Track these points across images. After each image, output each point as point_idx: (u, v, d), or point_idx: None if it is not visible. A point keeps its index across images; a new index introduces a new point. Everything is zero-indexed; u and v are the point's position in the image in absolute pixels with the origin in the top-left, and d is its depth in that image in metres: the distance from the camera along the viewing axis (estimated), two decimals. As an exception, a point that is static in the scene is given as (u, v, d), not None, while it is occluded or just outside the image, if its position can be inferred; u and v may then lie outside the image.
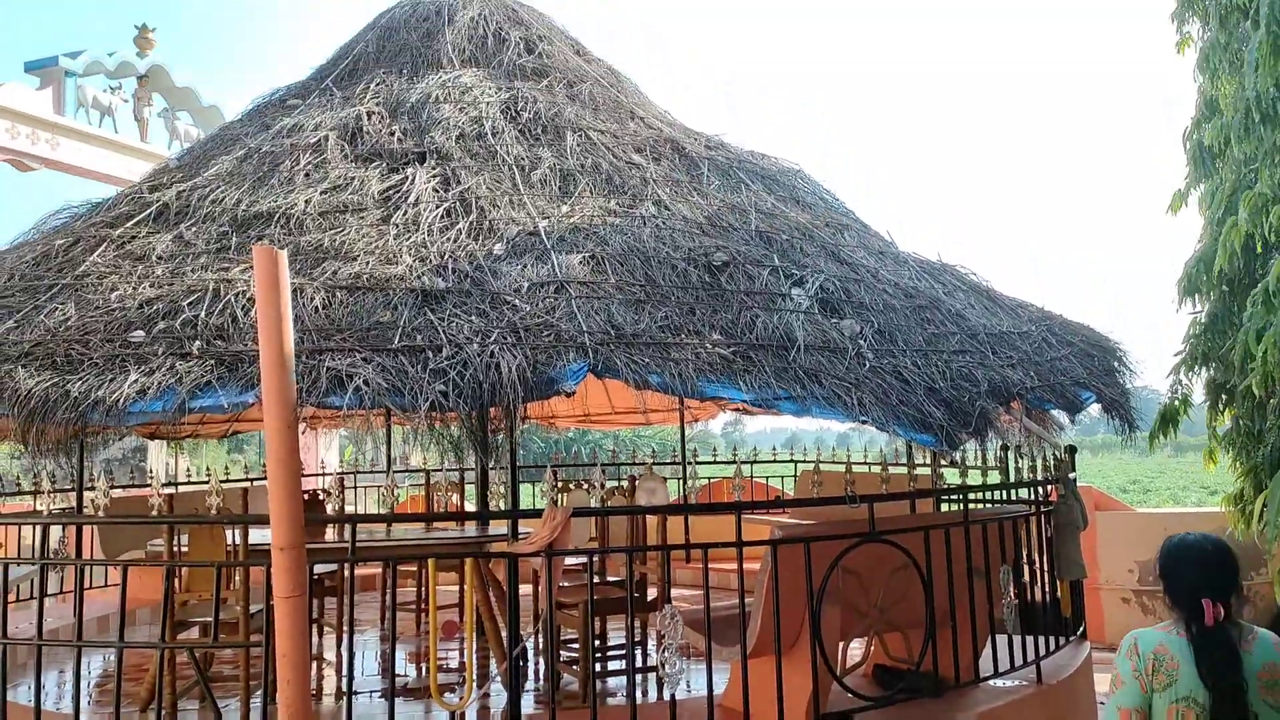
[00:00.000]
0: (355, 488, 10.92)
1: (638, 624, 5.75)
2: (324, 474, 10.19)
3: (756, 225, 5.62)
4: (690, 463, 11.62)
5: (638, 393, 11.28)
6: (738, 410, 11.17)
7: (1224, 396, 8.78)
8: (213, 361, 3.93)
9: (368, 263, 4.59)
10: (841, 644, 4.87)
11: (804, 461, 10.69)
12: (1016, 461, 5.59)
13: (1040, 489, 5.64)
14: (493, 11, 7.26)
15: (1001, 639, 5.19)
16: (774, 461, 10.96)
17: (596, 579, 6.80)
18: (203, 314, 4.18)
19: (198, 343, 4.02)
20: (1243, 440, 8.15)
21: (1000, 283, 6.68)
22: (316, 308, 4.28)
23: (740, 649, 4.52)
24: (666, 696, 4.14)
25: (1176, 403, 8.90)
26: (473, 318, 4.29)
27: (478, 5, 7.26)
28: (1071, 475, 6.23)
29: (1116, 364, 6.25)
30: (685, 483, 10.34)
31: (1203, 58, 8.66)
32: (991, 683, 5.18)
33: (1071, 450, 6.53)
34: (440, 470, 10.18)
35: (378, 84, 6.40)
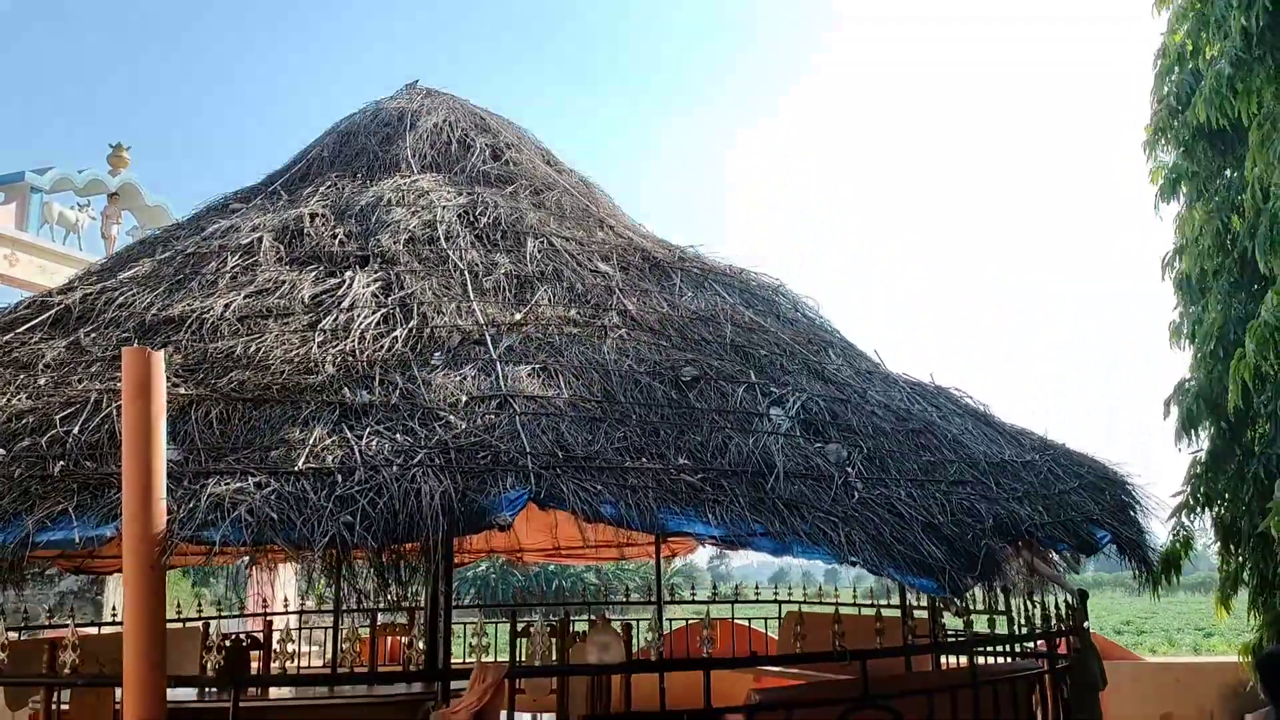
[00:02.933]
0: (303, 628, 9.99)
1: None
2: (259, 614, 9.23)
3: (732, 339, 5.06)
4: (667, 602, 10.78)
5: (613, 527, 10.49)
6: (718, 544, 10.41)
7: (1234, 538, 8.14)
8: (75, 486, 3.26)
9: (282, 372, 3.97)
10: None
11: (788, 602, 9.86)
12: (1026, 609, 4.89)
13: (1052, 641, 4.92)
14: (459, 118, 6.87)
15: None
16: (757, 601, 10.13)
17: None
18: (75, 429, 3.53)
19: (61, 463, 3.36)
20: (1258, 587, 7.46)
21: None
22: (211, 423, 3.64)
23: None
24: None
25: (1179, 545, 8.24)
26: (397, 435, 3.65)
27: (443, 111, 6.87)
28: (1085, 625, 5.51)
29: (1128, 499, 5.61)
30: (657, 629, 9.52)
31: (1169, 185, 8.36)
32: None
33: (1083, 596, 5.81)
34: (393, 610, 9.32)
35: (328, 187, 5.92)
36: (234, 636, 6.93)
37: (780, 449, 4.16)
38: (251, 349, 4.14)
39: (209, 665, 3.28)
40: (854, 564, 3.76)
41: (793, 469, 4.11)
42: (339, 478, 3.35)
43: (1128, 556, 5.09)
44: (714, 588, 10.85)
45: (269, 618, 9.00)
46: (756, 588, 10.54)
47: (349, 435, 3.59)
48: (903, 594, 5.46)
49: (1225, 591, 7.98)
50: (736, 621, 10.53)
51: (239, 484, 3.24)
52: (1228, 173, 7.63)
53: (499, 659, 3.92)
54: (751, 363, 4.83)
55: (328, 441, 3.55)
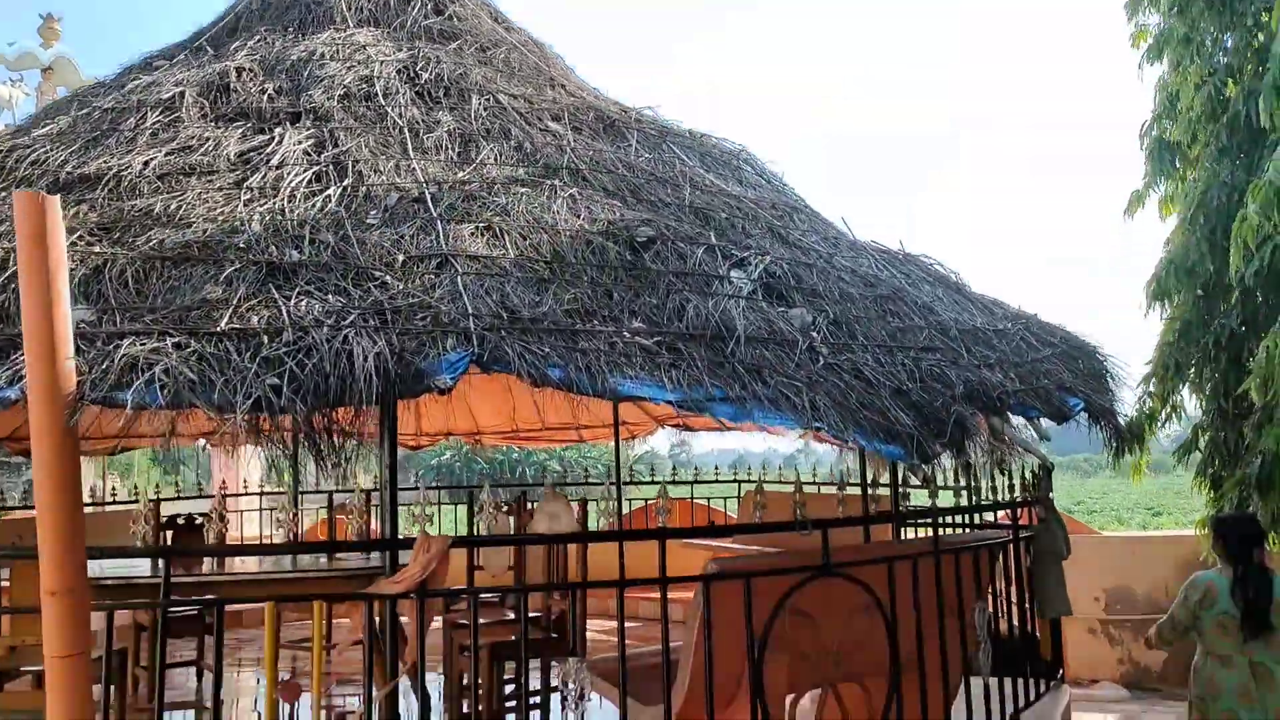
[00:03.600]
0: (262, 510, 9.85)
1: (555, 669, 4.82)
2: (214, 495, 9.01)
3: (690, 200, 4.78)
4: (626, 483, 10.74)
5: (570, 405, 10.37)
6: (679, 425, 10.31)
7: (1192, 411, 8.12)
8: (-26, 347, 2.98)
9: (204, 230, 3.66)
10: (791, 698, 4.01)
11: (748, 481, 9.85)
12: (991, 479, 4.79)
13: (1017, 511, 4.84)
14: (399, -30, 6.37)
15: (975, 687, 4.36)
16: (716, 481, 10.10)
17: (515, 617, 5.89)
18: (-24, 289, 3.23)
19: (-44, 324, 3.07)
20: (1218, 459, 7.47)
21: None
22: (127, 283, 3.34)
23: (664, 708, 3.64)
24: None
25: (1144, 416, 8.22)
26: (329, 296, 3.37)
27: (382, -38, 6.36)
28: (1051, 495, 5.45)
29: (1102, 368, 5.49)
30: (619, 505, 9.47)
31: (1155, 48, 8.06)
32: (966, 739, 4.35)
33: (1048, 468, 5.75)
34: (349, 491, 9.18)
35: (257, 42, 5.47)
36: (186, 515, 6.77)
37: (741, 312, 3.94)
38: (172, 207, 3.81)
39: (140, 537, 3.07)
40: (818, 429, 3.59)
41: (754, 333, 3.89)
42: (265, 339, 3.08)
43: (1100, 425, 4.99)
44: (674, 472, 10.83)
45: (225, 498, 8.83)
46: (716, 470, 10.51)
47: (276, 296, 3.31)
48: (863, 466, 5.36)
49: (1141, 459, 7.99)
50: (696, 501, 10.54)
51: (156, 344, 2.98)
52: (1227, 37, 7.32)
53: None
54: (711, 225, 4.57)
55: (253, 302, 3.27)
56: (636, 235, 4.17)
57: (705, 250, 4.27)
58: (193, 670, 6.21)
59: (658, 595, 3.54)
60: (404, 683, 5.98)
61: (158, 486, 10.99)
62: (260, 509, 9.73)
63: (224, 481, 10.44)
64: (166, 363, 2.86)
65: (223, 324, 3.12)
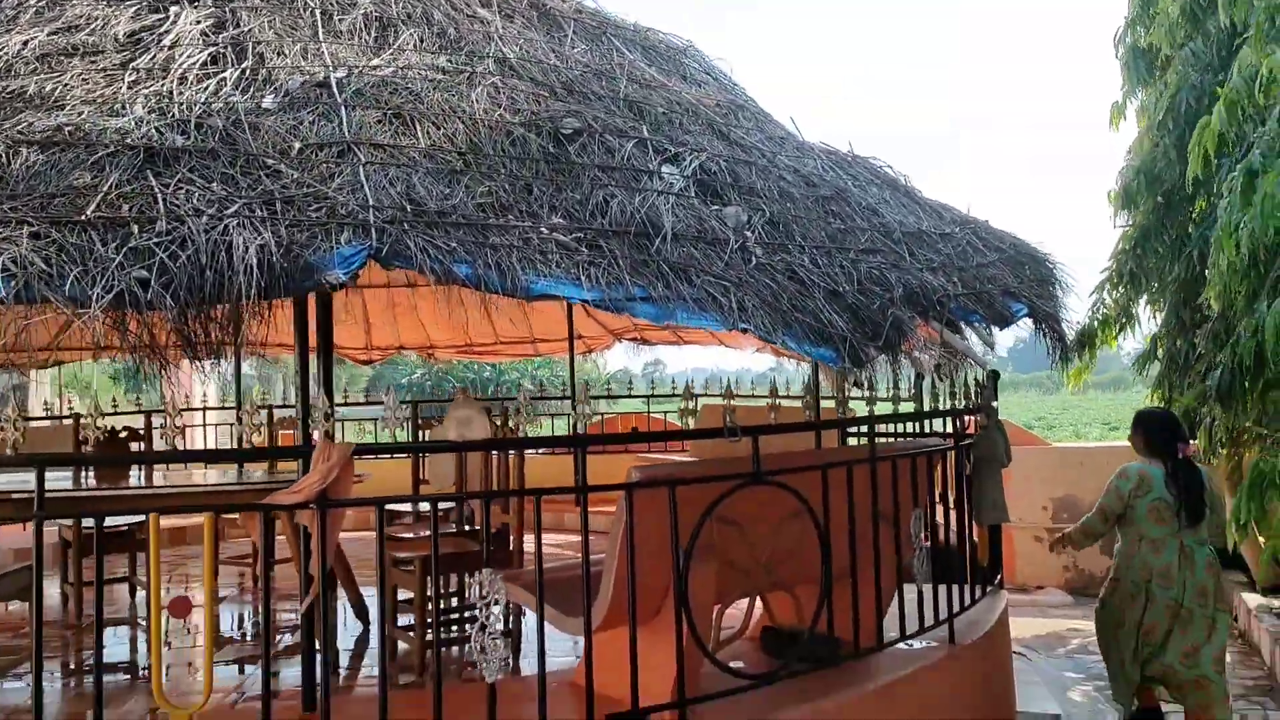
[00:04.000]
0: (206, 426, 9.58)
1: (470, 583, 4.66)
2: (149, 410, 8.69)
3: (626, 94, 4.47)
4: (582, 399, 10.56)
5: (524, 318, 10.10)
6: (636, 339, 10.11)
7: (1148, 321, 8.01)
8: None
9: (80, 113, 3.33)
10: (719, 608, 3.89)
11: (707, 395, 9.71)
12: (933, 386, 4.63)
13: (959, 420, 4.70)
14: None
15: (910, 595, 4.27)
16: (672, 396, 9.95)
17: (454, 529, 5.74)
18: None
19: None
20: (1175, 371, 7.39)
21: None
22: (-14, 167, 3.03)
23: (585, 619, 3.49)
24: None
25: (1097, 323, 8.09)
26: (213, 185, 3.08)
27: None
28: (995, 404, 5.31)
29: (1050, 275, 5.31)
30: (577, 420, 9.31)
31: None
32: (899, 646, 4.26)
33: (994, 375, 5.60)
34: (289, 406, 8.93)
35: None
36: (109, 428, 6.52)
37: (670, 209, 3.69)
38: (47, 89, 3.47)
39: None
40: (744, 330, 3.38)
41: (683, 231, 3.65)
42: (135, 229, 2.80)
43: (1043, 330, 4.82)
44: (652, 388, 10.64)
45: (159, 413, 8.57)
46: (673, 385, 10.35)
47: (153, 184, 3.01)
48: (815, 383, 5.19)
49: (1163, 380, 7.89)
50: (653, 416, 10.41)
51: (9, 233, 2.69)
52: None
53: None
54: (646, 119, 4.28)
55: (126, 190, 2.97)
56: (562, 127, 3.88)
57: (636, 144, 3.99)
58: (126, 587, 6.04)
59: (613, 509, 3.38)
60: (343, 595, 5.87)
61: (113, 401, 10.72)
62: (204, 424, 9.46)
63: (175, 396, 10.17)
64: (16, 252, 2.58)
65: (88, 212, 2.84)
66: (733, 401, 8.94)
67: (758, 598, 3.76)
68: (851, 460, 3.95)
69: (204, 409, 9.50)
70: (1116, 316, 7.79)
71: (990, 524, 4.91)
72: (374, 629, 5.47)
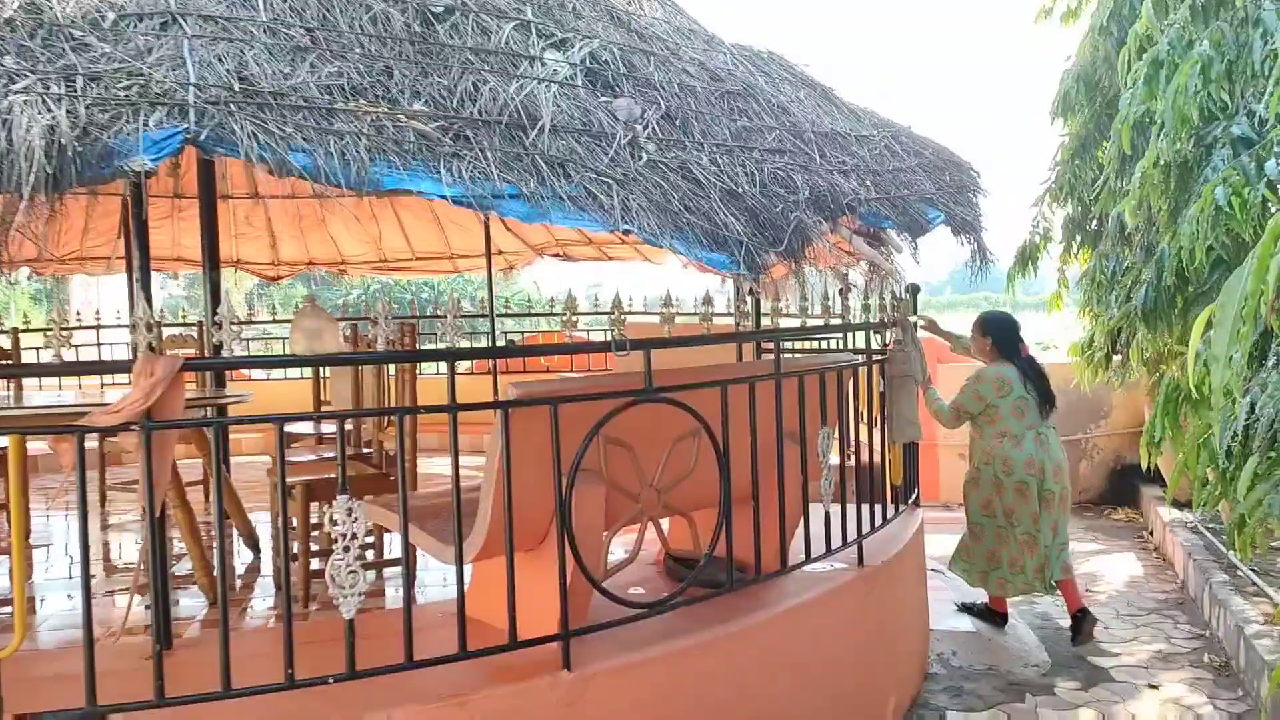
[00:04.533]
0: (100, 345, 9.04)
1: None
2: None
3: (513, -25, 4.04)
4: (501, 315, 10.21)
5: (441, 231, 9.60)
6: (559, 254, 9.70)
7: (1079, 236, 7.81)
8: None
9: None
10: (608, 534, 3.62)
11: (634, 313, 9.38)
12: (845, 300, 4.36)
13: (874, 334, 4.45)
14: None
15: (817, 517, 4.06)
16: (596, 314, 9.62)
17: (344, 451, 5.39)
18: None
19: None
20: (1101, 284, 7.22)
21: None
22: None
23: (458, 549, 3.21)
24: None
25: (1037, 238, 7.87)
26: (4, 60, 2.63)
27: None
28: (913, 319, 5.07)
29: (970, 182, 5.03)
30: (493, 337, 8.94)
31: None
32: (806, 569, 4.06)
33: (914, 290, 5.35)
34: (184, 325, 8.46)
35: None
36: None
37: (552, 98, 3.31)
38: None
39: None
40: (626, 232, 3.05)
41: (565, 123, 3.27)
42: (-102, 107, 2.37)
43: (961, 238, 4.56)
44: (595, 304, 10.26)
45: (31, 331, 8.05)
46: (597, 300, 9.99)
47: (-71, 55, 2.57)
48: (738, 299, 4.88)
49: (1059, 290, 7.77)
50: (575, 335, 10.07)
51: None
52: None
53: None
54: (530, 1, 3.85)
55: (-106, 61, 2.53)
56: (431, 4, 3.44)
57: (516, 27, 3.58)
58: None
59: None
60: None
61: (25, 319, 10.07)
62: (99, 342, 8.92)
63: (70, 313, 9.58)
64: None
65: None
66: (658, 320, 8.65)
67: (650, 524, 3.50)
68: (754, 376, 3.68)
69: (98, 326, 8.97)
70: (1069, 231, 7.58)
71: (904, 442, 4.70)
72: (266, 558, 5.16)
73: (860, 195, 3.90)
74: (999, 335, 5.26)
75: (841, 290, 4.38)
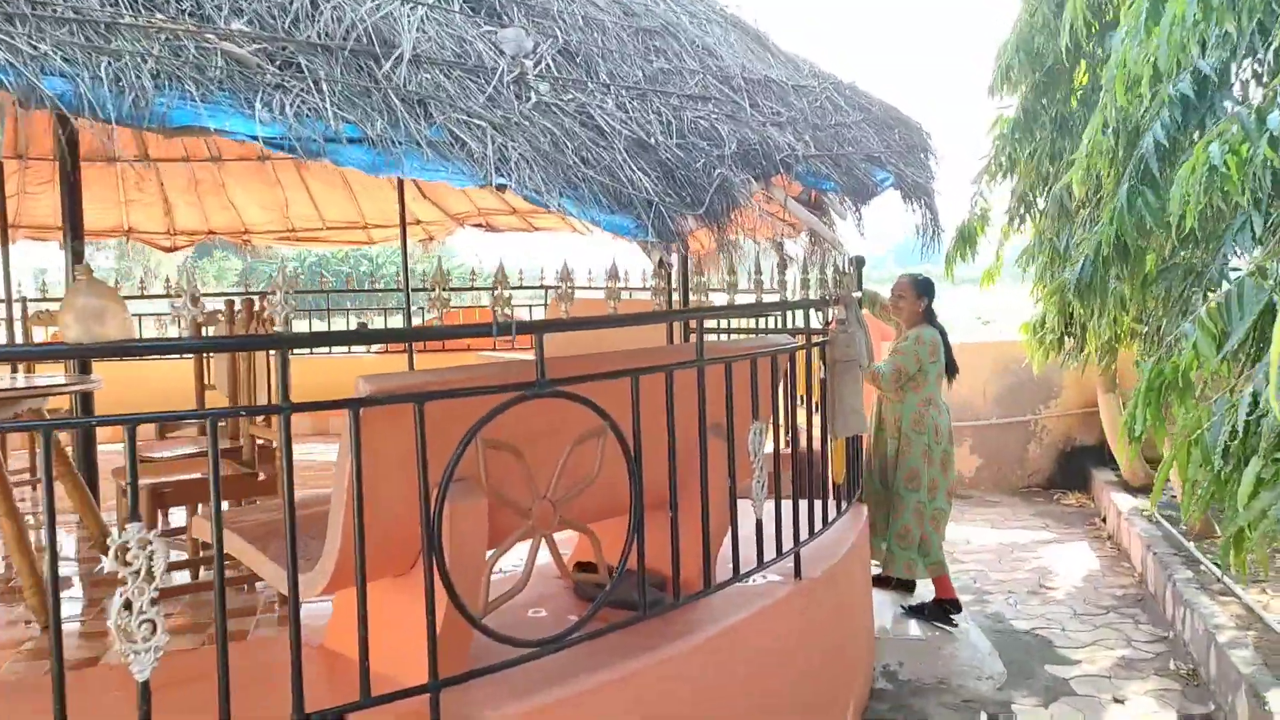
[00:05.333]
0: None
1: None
2: None
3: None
4: (417, 290, 9.50)
5: (353, 198, 8.83)
6: (482, 225, 9.00)
7: (1023, 209, 7.34)
8: None
9: None
10: (494, 555, 3.02)
11: (558, 288, 8.72)
12: (781, 275, 3.78)
13: (810, 311, 3.88)
14: None
15: (748, 520, 3.50)
16: (521, 288, 8.98)
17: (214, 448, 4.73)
18: None
19: None
20: (1055, 260, 6.76)
21: None
22: None
23: (292, 582, 2.58)
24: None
25: (975, 218, 7.42)
26: None
27: None
28: (857, 294, 4.52)
29: (922, 142, 4.48)
30: (406, 313, 8.24)
31: None
32: (737, 585, 3.51)
33: (859, 262, 4.81)
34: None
35: None
36: None
37: (416, 24, 2.66)
38: None
39: None
40: (500, 187, 2.43)
41: (432, 54, 2.63)
42: None
43: (911, 204, 4.00)
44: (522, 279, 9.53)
45: None
46: (521, 275, 9.33)
47: None
48: (666, 276, 4.28)
49: (1044, 272, 7.25)
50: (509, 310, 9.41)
51: None
52: None
53: None
54: (405, -89, 3.19)
55: None
56: (266, -95, 2.77)
57: (379, -62, 2.91)
58: None
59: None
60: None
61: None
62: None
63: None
64: None
65: None
66: (590, 293, 8.03)
67: (545, 542, 2.91)
68: (671, 364, 3.09)
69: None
70: (1016, 208, 7.10)
71: (848, 435, 4.15)
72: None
73: (797, 151, 3.30)
74: (928, 295, 5.14)
75: (780, 263, 3.81)
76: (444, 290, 2.69)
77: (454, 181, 2.34)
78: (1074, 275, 4.73)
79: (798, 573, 3.73)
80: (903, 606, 5.37)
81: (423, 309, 9.13)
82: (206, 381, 6.05)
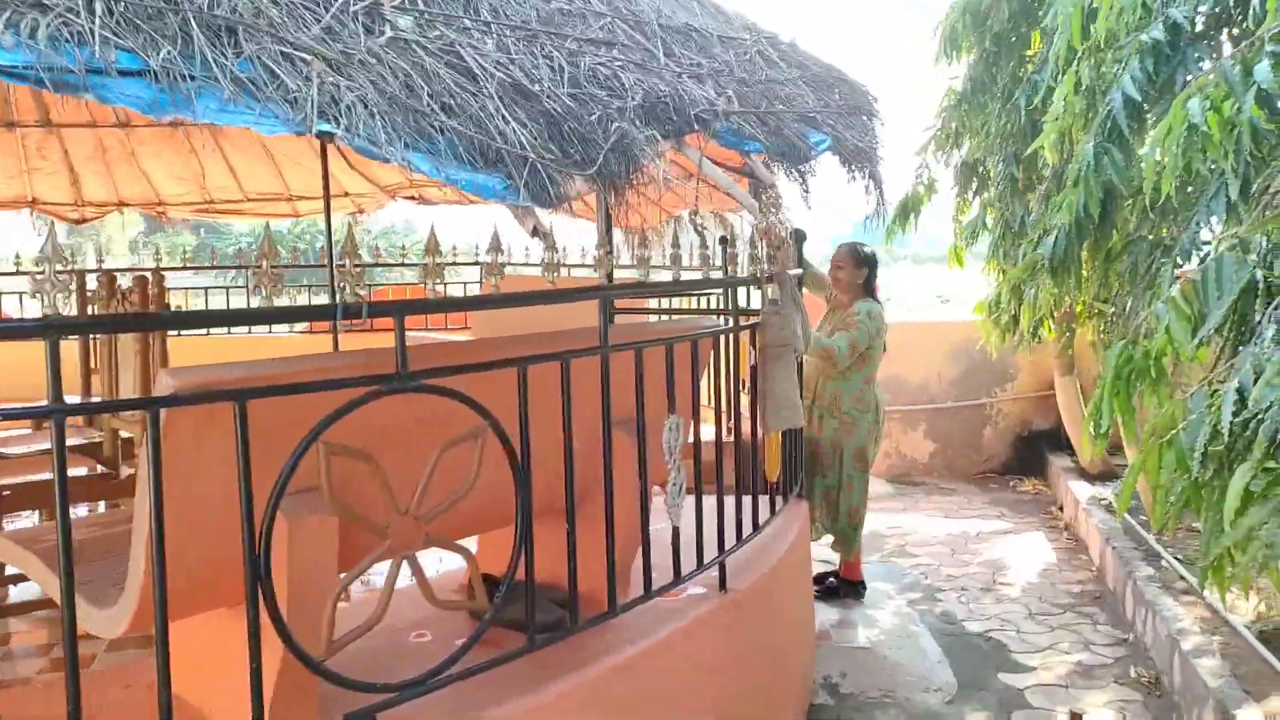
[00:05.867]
0: None
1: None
2: None
3: None
4: (341, 265, 8.93)
5: (277, 169, 8.26)
6: (414, 198, 8.44)
7: (976, 181, 6.92)
8: None
9: None
10: (346, 579, 2.55)
11: (516, 265, 8.22)
12: (704, 250, 3.32)
13: (736, 291, 3.43)
14: None
15: (662, 529, 3.07)
16: (455, 264, 8.45)
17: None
18: None
19: None
20: (1009, 238, 6.36)
21: None
22: None
23: (67, 617, 2.11)
24: None
25: (921, 188, 6.98)
26: None
27: None
28: (795, 272, 4.07)
29: (865, 105, 4.03)
30: (333, 292, 7.69)
31: None
32: (653, 602, 3.07)
33: (799, 236, 4.35)
34: None
35: None
36: None
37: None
38: None
39: None
40: (325, 136, 1.94)
41: (254, -26, 2.13)
42: None
43: (852, 171, 3.56)
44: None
45: None
46: (455, 249, 8.76)
47: None
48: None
49: (958, 244, 6.89)
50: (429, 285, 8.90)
51: None
52: None
53: None
54: None
55: None
56: None
57: None
58: None
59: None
60: None
61: None
62: None
63: None
64: None
65: None
66: (525, 269, 7.53)
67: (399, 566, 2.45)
68: (567, 352, 2.63)
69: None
70: (964, 179, 6.68)
71: (782, 429, 3.71)
72: None
73: (717, 106, 2.84)
74: (872, 267, 4.89)
75: (724, 239, 3.35)
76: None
77: (263, 128, 1.85)
78: (1046, 250, 4.32)
79: (723, 585, 3.30)
80: (817, 591, 5.03)
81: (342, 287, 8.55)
82: (93, 366, 5.50)
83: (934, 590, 5.43)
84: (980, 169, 6.57)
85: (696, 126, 2.71)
